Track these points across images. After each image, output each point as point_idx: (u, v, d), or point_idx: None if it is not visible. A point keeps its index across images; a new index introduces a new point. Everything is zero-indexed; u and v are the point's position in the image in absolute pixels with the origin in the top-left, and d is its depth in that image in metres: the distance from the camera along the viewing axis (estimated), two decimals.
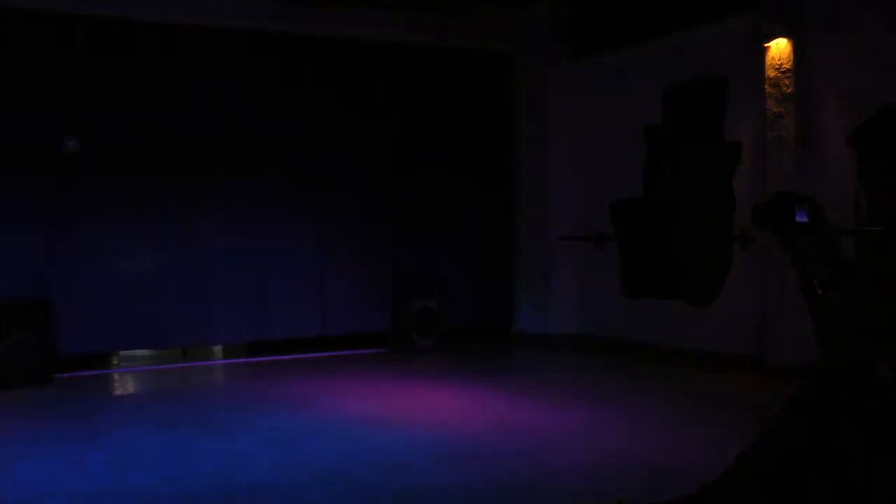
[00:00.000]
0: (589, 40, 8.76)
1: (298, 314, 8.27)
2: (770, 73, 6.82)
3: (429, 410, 5.77)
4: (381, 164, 8.66)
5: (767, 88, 6.84)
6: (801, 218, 2.11)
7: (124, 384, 7.32)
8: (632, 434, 4.97)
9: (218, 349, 8.74)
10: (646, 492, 3.53)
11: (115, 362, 8.03)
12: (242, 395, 6.65)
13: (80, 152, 7.36)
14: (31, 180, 7.23)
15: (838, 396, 2.05)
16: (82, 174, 7.39)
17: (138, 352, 8.30)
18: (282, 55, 8.21)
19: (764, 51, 6.86)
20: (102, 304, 7.43)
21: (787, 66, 6.72)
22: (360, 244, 8.56)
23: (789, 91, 6.71)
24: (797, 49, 6.68)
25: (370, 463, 4.33)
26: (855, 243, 3.64)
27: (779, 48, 6.77)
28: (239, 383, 7.52)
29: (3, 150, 7.14)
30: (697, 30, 7.57)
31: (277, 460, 4.39)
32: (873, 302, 2.01)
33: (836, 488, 1.99)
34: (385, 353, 8.49)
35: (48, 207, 7.29)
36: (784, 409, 2.13)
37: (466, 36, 8.99)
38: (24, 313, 6.86)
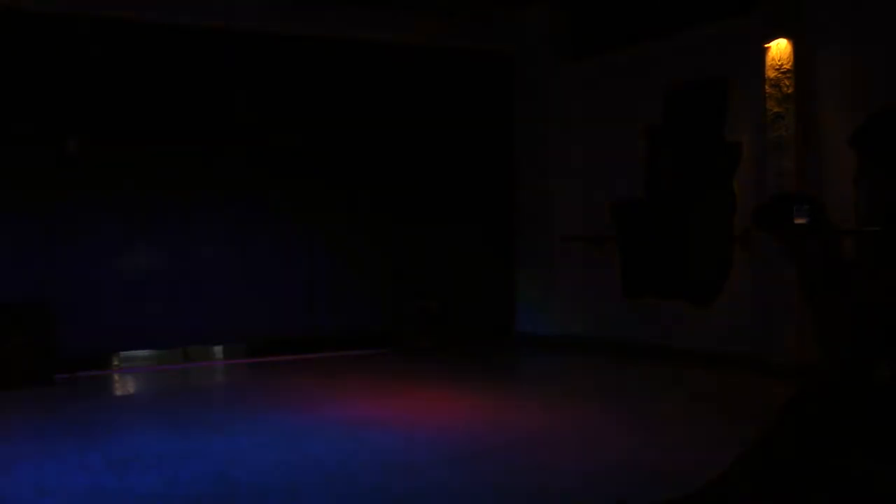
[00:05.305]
0: (589, 40, 8.77)
1: (299, 315, 8.27)
2: (770, 73, 6.82)
3: (429, 410, 5.77)
4: (381, 164, 8.67)
5: (767, 89, 6.84)
6: (801, 218, 2.11)
7: (124, 385, 7.32)
8: (632, 434, 4.97)
9: (218, 349, 8.73)
10: (646, 492, 3.53)
11: (115, 363, 8.03)
12: (242, 396, 6.66)
13: (81, 153, 7.37)
14: (32, 181, 7.24)
15: (838, 396, 2.05)
16: (83, 175, 7.40)
17: (138, 352, 8.30)
18: (282, 56, 8.21)
19: (764, 51, 6.86)
20: (102, 305, 7.45)
21: (787, 66, 6.72)
22: (361, 244, 8.57)
23: (789, 91, 6.71)
24: (797, 49, 6.68)
25: (371, 463, 4.33)
26: (855, 243, 3.65)
27: (779, 48, 6.77)
28: (239, 384, 7.52)
29: (4, 151, 7.15)
30: (697, 30, 7.58)
31: (278, 460, 4.39)
32: (872, 302, 2.01)
33: (836, 488, 1.99)
34: (385, 353, 8.49)
35: (49, 208, 7.29)
36: (784, 408, 2.14)
37: (467, 36, 9.00)
38: (24, 314, 6.87)
